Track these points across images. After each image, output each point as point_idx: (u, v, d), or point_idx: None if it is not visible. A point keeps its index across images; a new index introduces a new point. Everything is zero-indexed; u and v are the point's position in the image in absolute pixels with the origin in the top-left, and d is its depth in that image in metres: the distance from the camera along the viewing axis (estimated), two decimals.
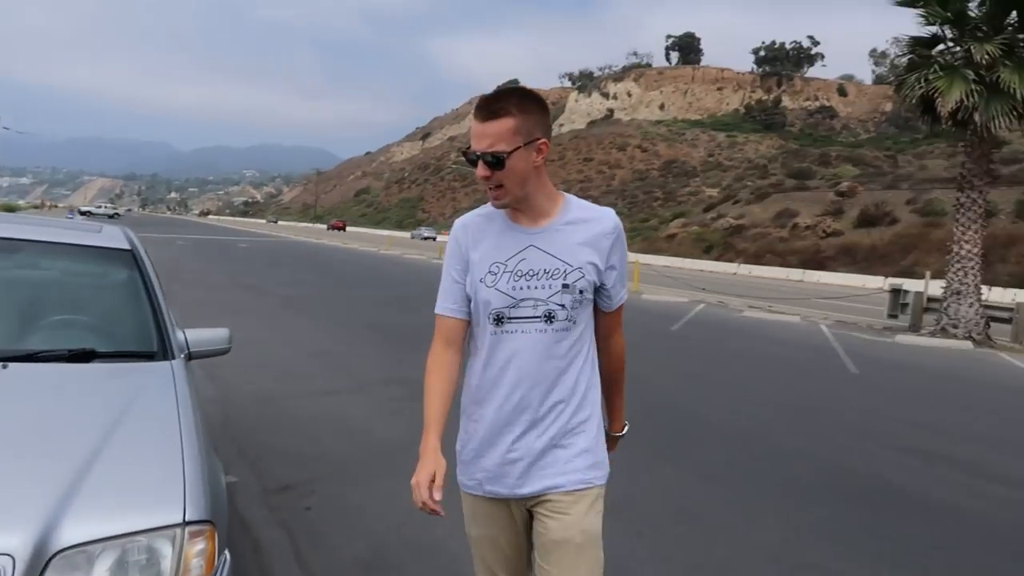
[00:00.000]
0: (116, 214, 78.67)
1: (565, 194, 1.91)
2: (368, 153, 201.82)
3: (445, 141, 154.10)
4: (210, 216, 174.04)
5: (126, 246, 3.39)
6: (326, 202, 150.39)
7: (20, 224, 3.52)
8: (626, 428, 2.18)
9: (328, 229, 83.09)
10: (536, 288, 1.81)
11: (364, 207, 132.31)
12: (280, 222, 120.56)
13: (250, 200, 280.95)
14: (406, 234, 76.56)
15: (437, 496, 1.75)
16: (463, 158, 1.86)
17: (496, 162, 1.73)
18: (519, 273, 1.83)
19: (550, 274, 1.82)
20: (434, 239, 64.88)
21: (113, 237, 3.49)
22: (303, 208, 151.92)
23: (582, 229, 1.86)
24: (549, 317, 1.82)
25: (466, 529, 1.99)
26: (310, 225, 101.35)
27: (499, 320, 1.84)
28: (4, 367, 2.44)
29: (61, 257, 3.30)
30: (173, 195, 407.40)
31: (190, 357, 3.07)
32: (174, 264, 18.63)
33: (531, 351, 1.83)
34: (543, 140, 1.78)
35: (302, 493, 4.07)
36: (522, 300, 1.82)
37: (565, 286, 1.81)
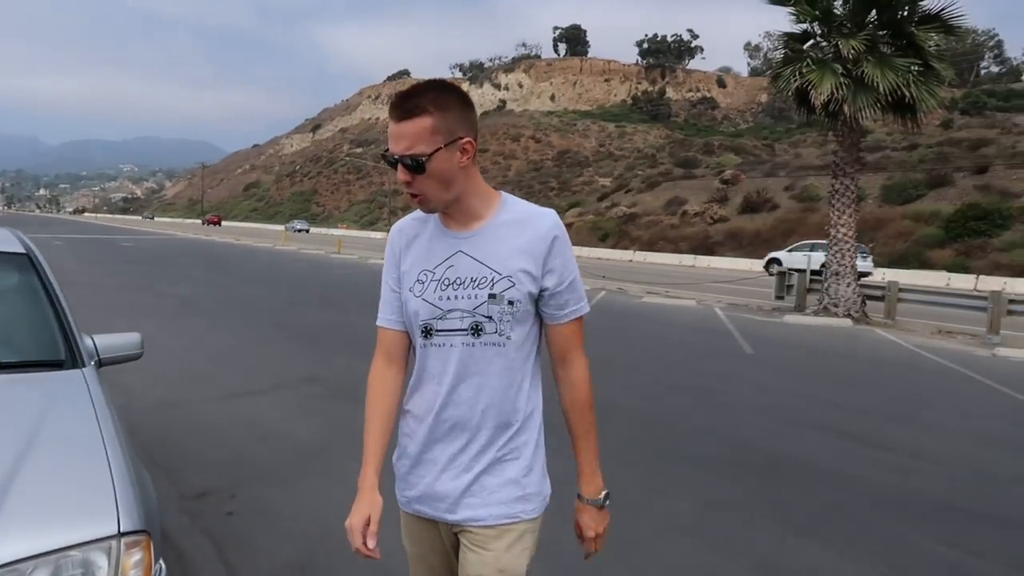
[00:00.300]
0: None
1: (503, 194, 1.76)
2: (256, 146, 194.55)
3: (336, 133, 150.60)
4: (86, 214, 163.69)
5: (20, 249, 3.20)
6: (213, 197, 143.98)
7: None
8: (605, 494, 1.85)
9: (204, 224, 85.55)
10: (462, 298, 1.67)
11: (255, 201, 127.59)
12: (157, 218, 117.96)
13: (130, 196, 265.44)
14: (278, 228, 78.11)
15: (371, 544, 1.63)
16: (382, 160, 1.68)
17: (416, 166, 1.58)
18: (446, 282, 1.69)
19: (477, 283, 1.66)
20: (307, 231, 72.25)
21: (5, 240, 3.27)
22: (189, 204, 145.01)
23: (515, 232, 1.68)
24: (476, 330, 1.67)
25: (403, 542, 1.90)
26: (196, 221, 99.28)
27: (427, 332, 1.71)
28: None
29: None
30: (42, 192, 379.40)
31: (100, 364, 2.94)
32: (54, 266, 17.36)
33: (459, 366, 1.69)
34: (467, 139, 1.62)
35: (221, 499, 3.95)
36: (449, 311, 1.68)
37: (492, 296, 1.65)
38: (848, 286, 14.70)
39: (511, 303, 1.66)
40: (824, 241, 16.32)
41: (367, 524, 1.64)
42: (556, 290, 1.70)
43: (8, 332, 2.89)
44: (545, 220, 1.70)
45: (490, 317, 1.66)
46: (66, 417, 2.28)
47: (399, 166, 1.61)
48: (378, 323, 1.82)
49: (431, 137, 1.57)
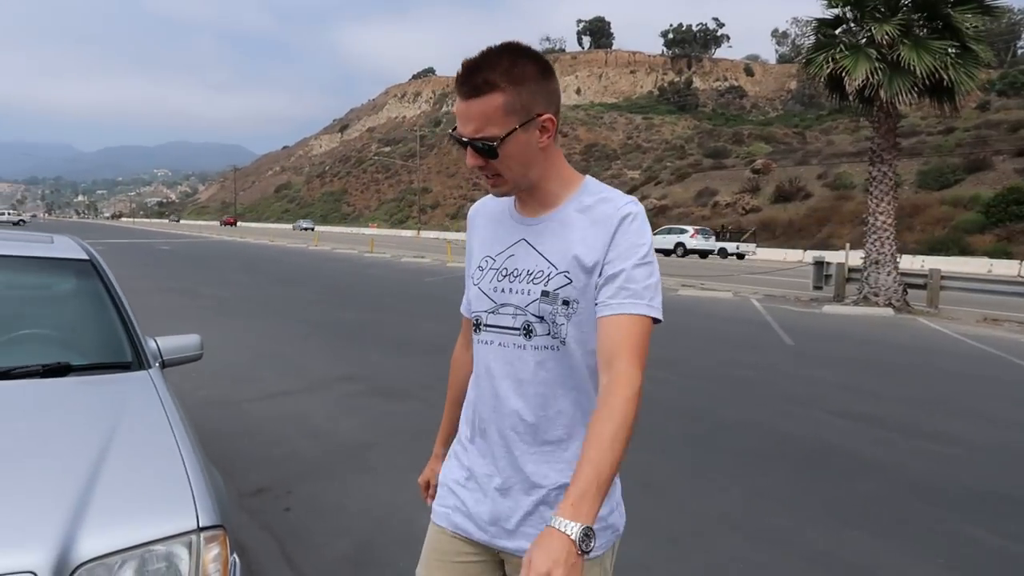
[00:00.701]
0: (21, 220, 74.79)
1: (586, 178, 1.54)
2: (285, 147, 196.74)
3: (364, 132, 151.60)
4: (123, 219, 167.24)
5: (84, 256, 3.30)
6: (245, 199, 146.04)
7: None
8: (582, 530, 1.16)
9: (221, 225, 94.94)
10: (516, 292, 1.49)
11: (286, 203, 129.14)
12: (182, 220, 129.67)
13: (164, 200, 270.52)
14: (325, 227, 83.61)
15: (430, 503, 1.72)
16: (450, 138, 1.47)
17: (487, 150, 1.39)
18: (504, 272, 1.52)
19: (532, 277, 1.47)
20: (312, 229, 77.25)
21: (68, 247, 3.39)
22: (222, 206, 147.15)
23: (582, 219, 1.46)
24: (527, 330, 1.47)
25: (417, 570, 1.66)
26: (215, 223, 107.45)
27: (477, 326, 1.56)
28: None
29: (17, 270, 3.19)
30: (80, 198, 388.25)
31: (164, 365, 3.04)
32: None
33: (510, 369, 1.50)
34: (546, 115, 1.40)
35: (278, 495, 4.05)
36: (503, 305, 1.50)
37: (544, 293, 1.45)
38: (888, 275, 14.48)
39: (566, 303, 1.43)
40: (683, 226, 16.18)
41: (426, 488, 1.83)
42: (610, 272, 1.41)
43: (77, 336, 3.00)
44: (618, 201, 1.46)
45: (541, 317, 1.46)
46: (138, 417, 2.37)
47: (468, 150, 1.42)
48: (462, 309, 1.72)
49: (504, 118, 1.36)
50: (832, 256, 19.60)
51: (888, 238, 14.58)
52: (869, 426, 5.98)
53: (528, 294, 1.47)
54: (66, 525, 1.74)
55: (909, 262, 26.91)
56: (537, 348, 1.47)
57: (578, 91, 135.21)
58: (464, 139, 1.40)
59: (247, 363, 7.73)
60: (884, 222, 14.61)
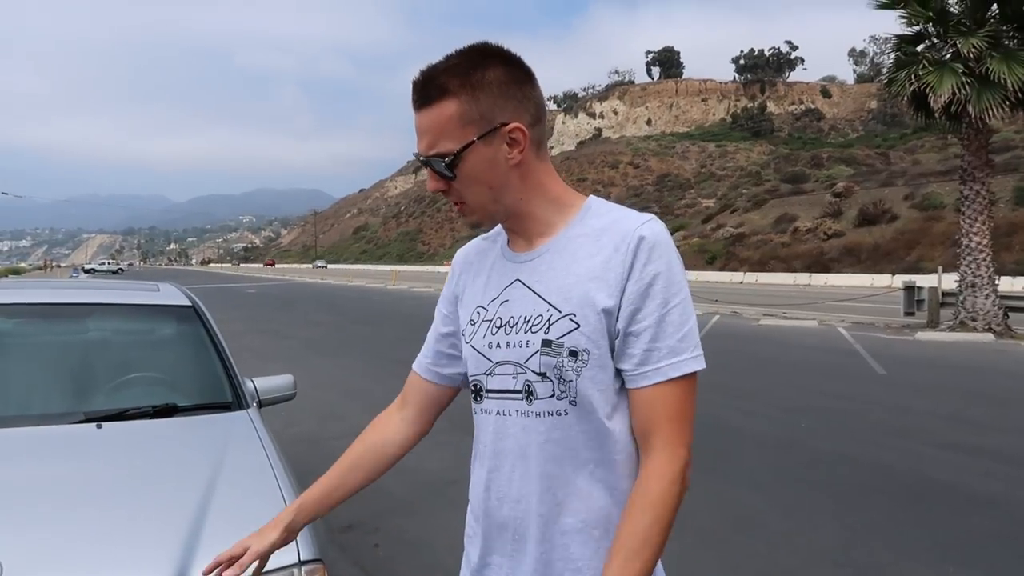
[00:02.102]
0: (120, 269, 79.42)
1: (590, 199, 1.25)
2: (362, 190, 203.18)
3: None
4: (211, 264, 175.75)
5: (187, 302, 3.49)
6: (325, 241, 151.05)
7: (86, 289, 3.65)
8: None
9: (264, 266, 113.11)
10: (513, 346, 1.19)
11: (364, 243, 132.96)
12: (241, 265, 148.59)
13: (249, 245, 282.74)
14: (387, 268, 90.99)
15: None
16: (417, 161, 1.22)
17: (443, 168, 1.15)
18: (498, 323, 1.22)
19: (530, 324, 1.17)
20: (325, 267, 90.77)
21: (173, 295, 3.59)
22: (303, 249, 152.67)
23: (590, 248, 1.17)
24: (528, 393, 1.17)
25: None
26: (297, 265, 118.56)
27: (477, 393, 1.27)
28: (99, 427, 2.54)
29: (128, 317, 3.40)
30: (172, 246, 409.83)
31: (261, 405, 3.16)
32: None
33: (511, 443, 1.20)
34: (513, 125, 1.14)
35: (367, 531, 4.13)
36: (499, 364, 1.21)
37: (546, 343, 1.15)
38: (987, 298, 13.77)
39: (574, 354, 1.13)
40: None
41: (230, 558, 1.31)
42: (633, 328, 1.13)
43: (181, 378, 3.17)
44: (632, 221, 1.16)
45: (543, 375, 1.15)
46: (240, 455, 2.48)
47: (428, 170, 1.19)
48: (413, 365, 1.44)
49: (460, 129, 1.13)
50: (923, 280, 18.73)
51: (984, 259, 13.88)
52: (977, 458, 5.65)
53: (527, 346, 1.17)
54: (180, 555, 1.84)
55: (1009, 284, 25.47)
56: (542, 415, 1.16)
57: (649, 122, 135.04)
58: (421, 158, 1.18)
59: (333, 401, 7.93)
60: (979, 243, 13.93)
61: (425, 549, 3.90)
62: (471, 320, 1.27)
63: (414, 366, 1.43)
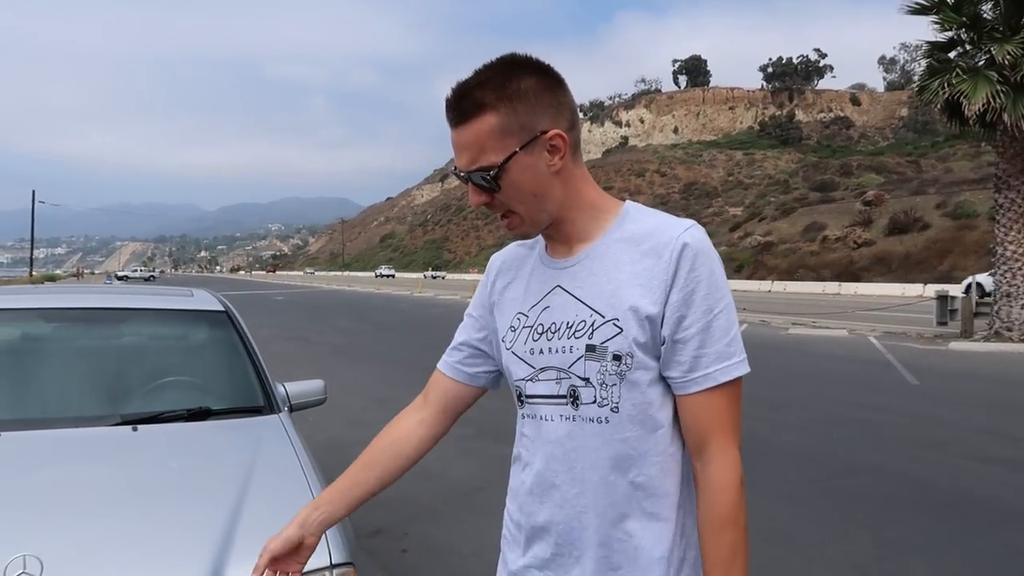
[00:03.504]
0: (152, 276, 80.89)
1: (627, 203, 1.26)
2: (389, 199, 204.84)
3: None
4: (240, 272, 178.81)
5: (220, 308, 3.54)
6: (352, 249, 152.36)
7: (122, 295, 3.72)
8: None
9: (267, 273, 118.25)
10: (556, 351, 1.20)
11: (390, 251, 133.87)
12: (253, 271, 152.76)
13: (278, 253, 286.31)
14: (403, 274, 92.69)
15: None
16: (454, 175, 1.24)
17: (488, 182, 1.16)
18: (540, 328, 1.23)
19: (573, 329, 1.19)
20: (313, 273, 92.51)
21: (206, 300, 3.64)
22: (330, 256, 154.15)
23: (631, 253, 1.18)
24: (573, 398, 1.18)
25: None
26: (327, 272, 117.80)
27: (520, 398, 1.28)
28: (135, 430, 2.58)
29: (163, 322, 3.46)
30: (203, 254, 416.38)
31: (292, 409, 3.19)
32: None
33: (556, 449, 1.21)
34: (554, 131, 1.16)
35: (395, 536, 4.14)
36: (542, 370, 1.22)
37: (590, 348, 1.16)
38: (1023, 308, 13.47)
39: (616, 358, 1.15)
40: None
41: (269, 558, 1.27)
42: (680, 335, 1.14)
43: (214, 382, 3.21)
44: (674, 227, 1.17)
45: (587, 379, 1.17)
46: (272, 458, 2.51)
47: (470, 184, 1.20)
48: (438, 364, 1.44)
49: (500, 141, 1.14)
50: (956, 289, 18.42)
51: (1020, 269, 13.62)
52: (1013, 472, 5.53)
53: (571, 351, 1.18)
54: (215, 556, 1.86)
55: None
56: (588, 421, 1.18)
57: (675, 130, 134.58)
58: (462, 174, 1.19)
59: (361, 407, 7.99)
60: (1015, 252, 13.67)
61: (452, 555, 3.90)
62: (511, 326, 1.28)
63: (439, 364, 1.43)
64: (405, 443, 1.40)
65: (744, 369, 1.16)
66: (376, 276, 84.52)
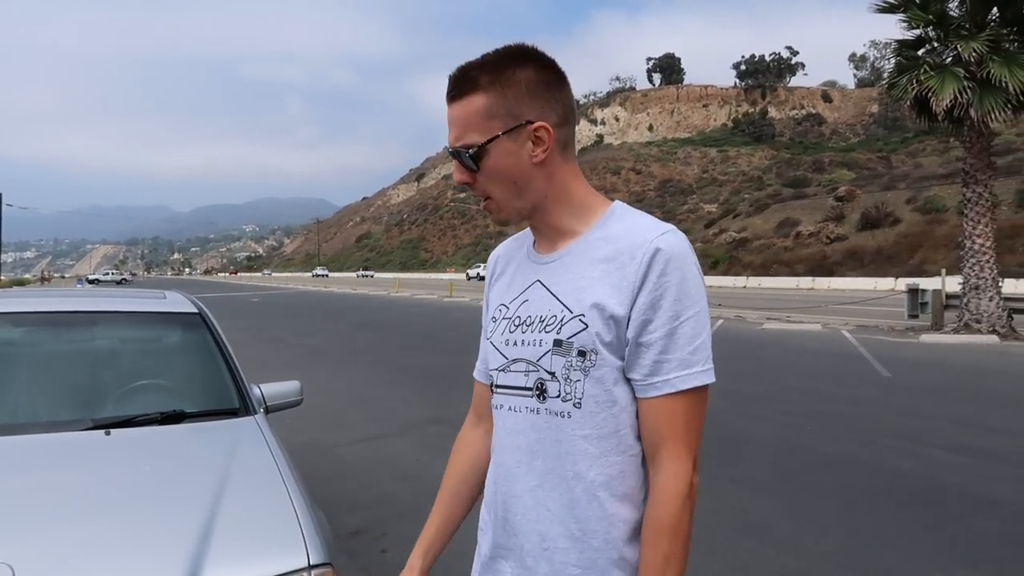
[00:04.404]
0: (124, 280, 79.67)
1: (614, 203, 1.28)
2: (365, 199, 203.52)
3: (440, 180, 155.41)
4: (221, 274, 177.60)
5: (193, 310, 3.51)
6: (328, 249, 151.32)
7: (93, 298, 3.66)
8: None
9: (228, 276, 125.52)
10: (528, 344, 1.23)
11: (367, 252, 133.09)
12: (219, 273, 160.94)
13: (253, 254, 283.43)
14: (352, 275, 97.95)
15: None
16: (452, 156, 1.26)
17: (468, 160, 1.20)
18: (517, 321, 1.27)
19: (545, 323, 1.21)
20: (326, 275, 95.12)
21: (179, 302, 3.61)
22: (306, 257, 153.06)
23: (607, 252, 1.19)
24: (540, 391, 1.21)
25: None
26: (296, 274, 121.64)
27: (491, 388, 1.32)
28: (107, 434, 2.55)
29: (136, 325, 3.42)
30: (176, 256, 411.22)
31: (268, 411, 3.17)
32: None
33: (521, 440, 1.23)
34: (539, 124, 1.18)
35: (374, 536, 4.13)
36: (514, 361, 1.25)
37: (557, 343, 1.18)
38: (991, 300, 13.76)
39: (581, 354, 1.16)
40: None
41: None
42: (644, 339, 1.15)
43: (189, 385, 3.18)
44: (651, 230, 1.17)
45: (553, 373, 1.19)
46: (248, 460, 2.49)
47: (455, 161, 1.24)
48: (473, 374, 1.48)
49: (485, 122, 1.18)
50: (927, 283, 18.71)
51: (988, 262, 13.88)
52: (984, 461, 5.64)
53: (540, 345, 1.20)
54: (191, 560, 1.85)
55: (1013, 286, 25.38)
56: (553, 415, 1.19)
57: (650, 128, 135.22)
58: (450, 149, 1.23)
59: (338, 408, 7.94)
60: (982, 245, 13.93)
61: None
62: (493, 317, 1.34)
63: (475, 375, 1.47)
64: (480, 460, 1.44)
65: (707, 379, 1.16)
66: (313, 276, 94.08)
